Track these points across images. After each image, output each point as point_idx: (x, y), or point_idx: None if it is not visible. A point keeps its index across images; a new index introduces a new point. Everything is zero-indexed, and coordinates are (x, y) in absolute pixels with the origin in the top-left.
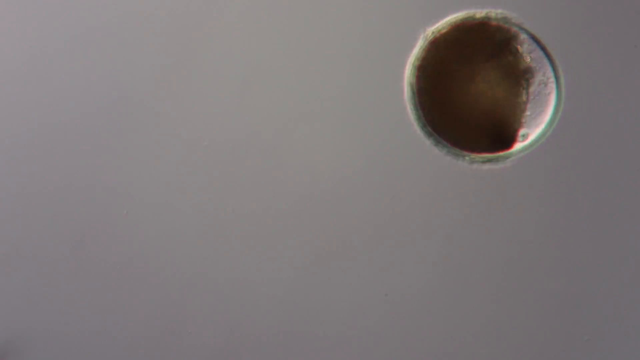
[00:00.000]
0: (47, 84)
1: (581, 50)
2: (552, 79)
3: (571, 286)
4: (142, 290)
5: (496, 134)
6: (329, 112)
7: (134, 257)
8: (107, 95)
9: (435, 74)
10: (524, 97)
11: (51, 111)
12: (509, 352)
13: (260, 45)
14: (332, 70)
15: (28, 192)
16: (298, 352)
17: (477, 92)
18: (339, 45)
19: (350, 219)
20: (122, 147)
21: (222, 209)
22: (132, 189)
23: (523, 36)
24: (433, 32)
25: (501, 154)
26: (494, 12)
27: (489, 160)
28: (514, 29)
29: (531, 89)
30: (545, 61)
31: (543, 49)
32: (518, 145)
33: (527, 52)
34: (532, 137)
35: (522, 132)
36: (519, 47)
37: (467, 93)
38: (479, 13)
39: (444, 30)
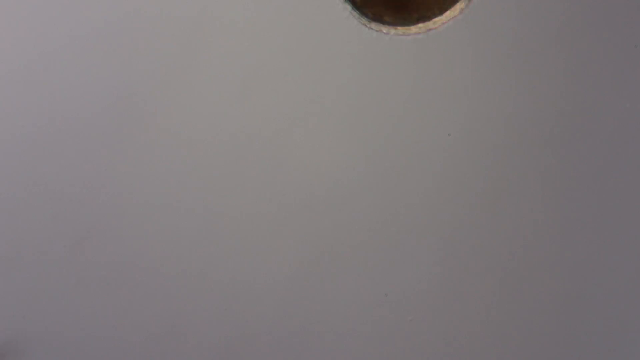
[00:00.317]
0: (47, 84)
1: None
2: None
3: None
4: (142, 290)
5: None
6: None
7: (134, 257)
8: (106, 95)
9: None
10: None
11: (51, 111)
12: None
13: (260, 46)
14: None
15: (28, 192)
16: (298, 352)
17: None
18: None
19: (350, 219)
20: (122, 147)
21: (222, 209)
22: (132, 189)
23: None
24: None
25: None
26: None
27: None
28: None
29: None
30: None
31: None
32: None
33: None
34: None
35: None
36: None
37: None
38: None
39: None
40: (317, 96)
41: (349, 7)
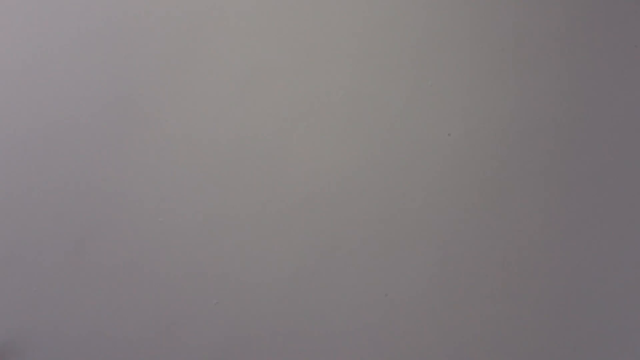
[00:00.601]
0: (47, 85)
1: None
2: None
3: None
4: (142, 290)
5: None
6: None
7: (133, 257)
8: (106, 95)
9: None
10: None
11: (51, 111)
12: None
13: (260, 45)
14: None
15: (27, 192)
16: (298, 352)
17: None
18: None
19: (350, 219)
20: (122, 147)
21: (222, 209)
22: (132, 189)
23: None
24: None
25: None
26: None
27: None
28: None
29: None
30: None
31: None
32: None
33: None
34: None
35: None
36: None
37: None
38: None
39: None
40: (317, 96)
41: None
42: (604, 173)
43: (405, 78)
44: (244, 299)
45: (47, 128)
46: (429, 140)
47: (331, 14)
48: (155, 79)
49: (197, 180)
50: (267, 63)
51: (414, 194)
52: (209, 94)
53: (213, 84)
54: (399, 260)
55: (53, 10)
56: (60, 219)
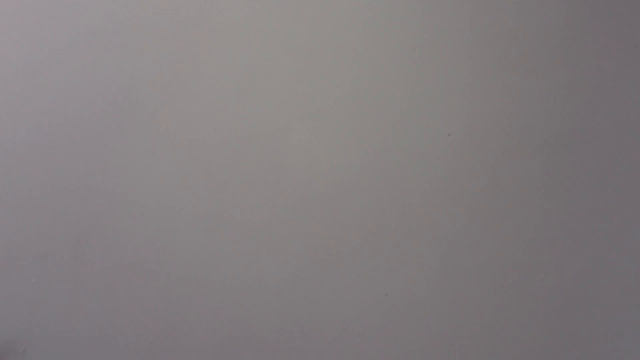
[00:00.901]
0: (47, 85)
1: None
2: None
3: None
4: (142, 290)
5: None
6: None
7: (133, 257)
8: (106, 95)
9: None
10: None
11: (51, 111)
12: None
13: (260, 46)
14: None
15: (27, 191)
16: (298, 352)
17: None
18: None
19: (350, 219)
20: (122, 147)
21: (221, 209)
22: (132, 189)
23: None
24: None
25: None
26: None
27: None
28: None
29: None
30: None
31: None
32: None
33: None
34: None
35: None
36: None
37: None
38: None
39: None
40: (317, 96)
41: None
42: (604, 173)
43: (405, 78)
44: (244, 298)
45: (47, 128)
46: (429, 140)
47: (331, 15)
48: (155, 79)
49: (197, 180)
50: (267, 63)
51: (414, 194)
52: (209, 94)
53: (213, 84)
54: (399, 260)
55: (53, 10)
56: (60, 218)
